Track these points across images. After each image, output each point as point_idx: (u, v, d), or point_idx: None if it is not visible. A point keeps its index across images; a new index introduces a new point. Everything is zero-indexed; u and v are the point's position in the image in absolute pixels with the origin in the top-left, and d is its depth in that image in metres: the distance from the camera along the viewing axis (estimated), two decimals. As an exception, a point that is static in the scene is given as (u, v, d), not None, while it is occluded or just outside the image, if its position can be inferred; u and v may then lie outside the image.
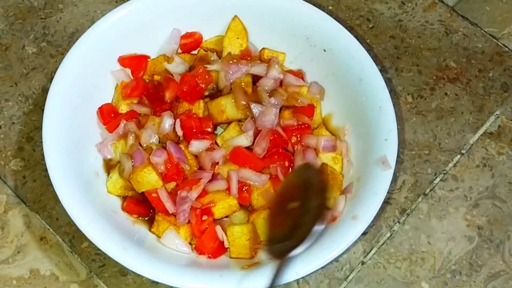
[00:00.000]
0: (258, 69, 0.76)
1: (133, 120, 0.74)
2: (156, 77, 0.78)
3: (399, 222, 0.76)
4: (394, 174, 0.69)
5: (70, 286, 0.71)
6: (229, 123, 0.75)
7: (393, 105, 0.72)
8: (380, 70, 0.74)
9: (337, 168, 0.74)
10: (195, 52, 0.81)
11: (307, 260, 0.63)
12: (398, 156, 0.70)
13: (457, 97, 0.85)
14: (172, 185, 0.70)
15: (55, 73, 0.71)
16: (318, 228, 0.63)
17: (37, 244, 0.73)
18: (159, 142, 0.73)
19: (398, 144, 0.70)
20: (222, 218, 0.71)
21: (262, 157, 0.72)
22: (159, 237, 0.69)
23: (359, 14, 0.90)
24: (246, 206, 0.72)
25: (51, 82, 0.70)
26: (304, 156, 0.73)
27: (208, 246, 0.68)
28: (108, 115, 0.75)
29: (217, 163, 0.72)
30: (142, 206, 0.71)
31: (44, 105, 0.69)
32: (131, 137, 0.72)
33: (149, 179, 0.68)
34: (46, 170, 0.66)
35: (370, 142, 0.71)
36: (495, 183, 0.79)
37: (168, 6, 0.77)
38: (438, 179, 0.79)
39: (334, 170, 0.73)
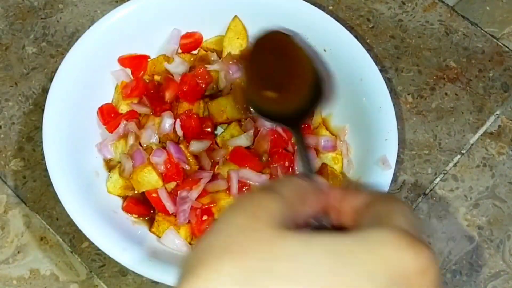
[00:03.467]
0: (258, 69, 0.76)
1: (133, 120, 0.74)
2: (156, 77, 0.78)
3: (399, 222, 0.76)
4: (394, 174, 0.69)
5: (70, 286, 0.71)
6: (229, 123, 0.75)
7: (393, 105, 0.72)
8: (380, 70, 0.74)
9: (337, 168, 0.73)
10: (195, 52, 0.81)
11: (307, 260, 0.63)
12: (398, 156, 0.70)
13: (457, 97, 0.85)
14: (172, 185, 0.70)
15: (55, 73, 0.71)
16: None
17: (37, 244, 0.73)
18: (159, 142, 0.73)
19: (398, 144, 0.70)
20: (222, 218, 0.71)
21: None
22: (159, 237, 0.69)
23: (359, 14, 0.90)
24: (246, 206, 0.72)
25: (51, 82, 0.70)
26: (304, 156, 0.73)
27: (208, 246, 0.68)
28: (108, 115, 0.75)
29: (217, 163, 0.72)
30: (142, 206, 0.71)
31: (44, 105, 0.69)
32: (131, 137, 0.72)
33: (149, 179, 0.68)
34: (46, 170, 0.66)
35: (370, 142, 0.71)
36: (495, 183, 0.79)
37: (168, 6, 0.77)
38: (438, 179, 0.79)
39: (334, 170, 0.73)
